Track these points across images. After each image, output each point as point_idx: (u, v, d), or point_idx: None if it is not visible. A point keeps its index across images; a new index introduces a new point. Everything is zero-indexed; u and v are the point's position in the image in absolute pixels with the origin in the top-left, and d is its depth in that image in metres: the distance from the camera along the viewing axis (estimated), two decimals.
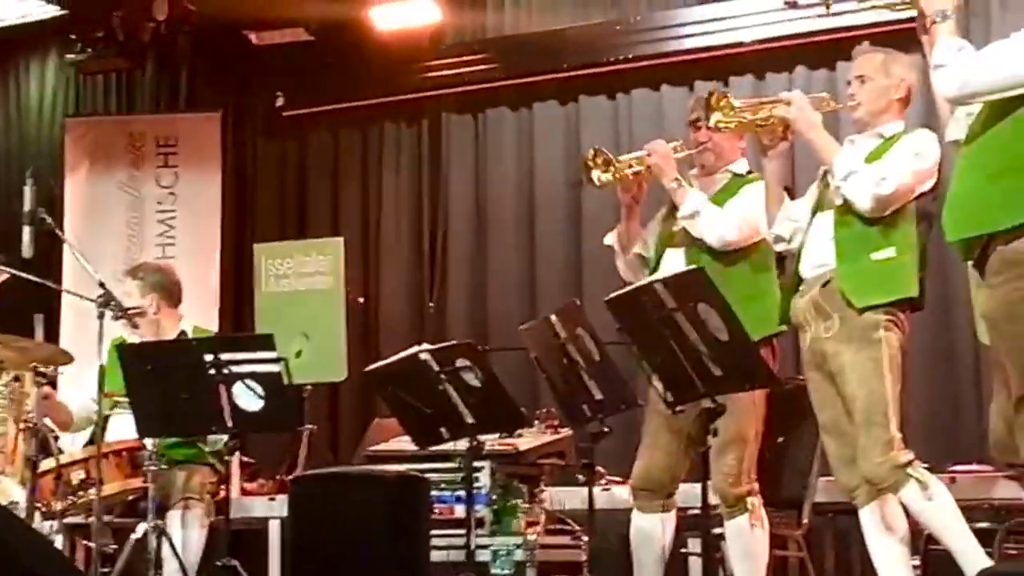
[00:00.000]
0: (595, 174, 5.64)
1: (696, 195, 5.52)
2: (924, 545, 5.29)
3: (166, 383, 5.55)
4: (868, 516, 4.95)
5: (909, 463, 4.80)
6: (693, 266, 4.78)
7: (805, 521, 5.87)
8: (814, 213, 5.14)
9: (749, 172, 5.64)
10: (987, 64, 3.97)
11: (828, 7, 4.47)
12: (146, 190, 9.95)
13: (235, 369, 5.50)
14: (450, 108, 9.80)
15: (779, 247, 5.32)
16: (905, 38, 4.58)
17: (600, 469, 7.15)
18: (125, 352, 5.74)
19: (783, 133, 5.15)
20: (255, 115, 10.40)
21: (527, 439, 6.69)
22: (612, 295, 4.63)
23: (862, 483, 4.90)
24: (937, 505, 4.77)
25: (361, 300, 9.49)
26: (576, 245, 9.14)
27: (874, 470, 4.81)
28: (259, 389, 5.50)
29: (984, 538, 4.83)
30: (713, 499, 5.21)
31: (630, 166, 5.65)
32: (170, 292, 6.63)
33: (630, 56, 9.02)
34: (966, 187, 4.03)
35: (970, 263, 4.11)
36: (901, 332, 4.94)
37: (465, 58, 9.57)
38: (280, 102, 10.06)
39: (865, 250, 4.94)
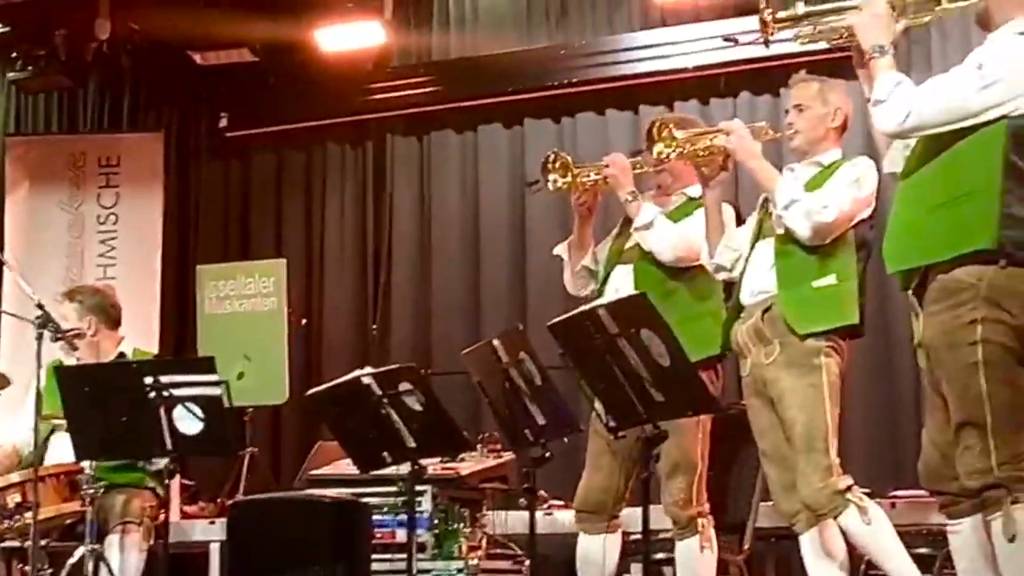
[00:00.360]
0: (552, 177, 5.66)
1: (651, 208, 5.54)
2: (864, 570, 5.31)
3: (105, 406, 5.47)
4: (808, 541, 4.96)
5: (848, 488, 4.82)
6: (636, 291, 4.78)
7: (747, 546, 5.87)
8: (755, 241, 5.16)
9: (701, 197, 5.68)
10: (927, 99, 4.01)
11: (767, 45, 4.48)
12: (87, 210, 9.86)
13: (175, 392, 5.43)
14: (395, 130, 9.80)
15: (720, 276, 5.34)
16: (846, 66, 4.59)
17: (542, 493, 7.17)
18: (63, 374, 5.66)
19: (723, 163, 5.18)
20: (199, 135, 10.35)
21: (469, 463, 6.68)
22: (555, 320, 4.62)
23: (802, 509, 4.92)
24: (876, 530, 4.80)
25: (304, 322, 9.46)
26: (520, 268, 9.15)
27: (814, 496, 4.82)
28: (199, 412, 5.43)
29: (923, 564, 4.86)
30: (662, 523, 5.26)
31: (587, 175, 5.67)
32: (108, 314, 6.56)
33: (575, 80, 9.05)
34: (905, 219, 4.10)
35: (909, 292, 4.15)
36: (841, 359, 4.97)
37: (410, 80, 9.57)
38: (224, 122, 10.02)
39: (806, 278, 4.97)
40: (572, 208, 5.83)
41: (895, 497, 6.59)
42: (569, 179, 5.65)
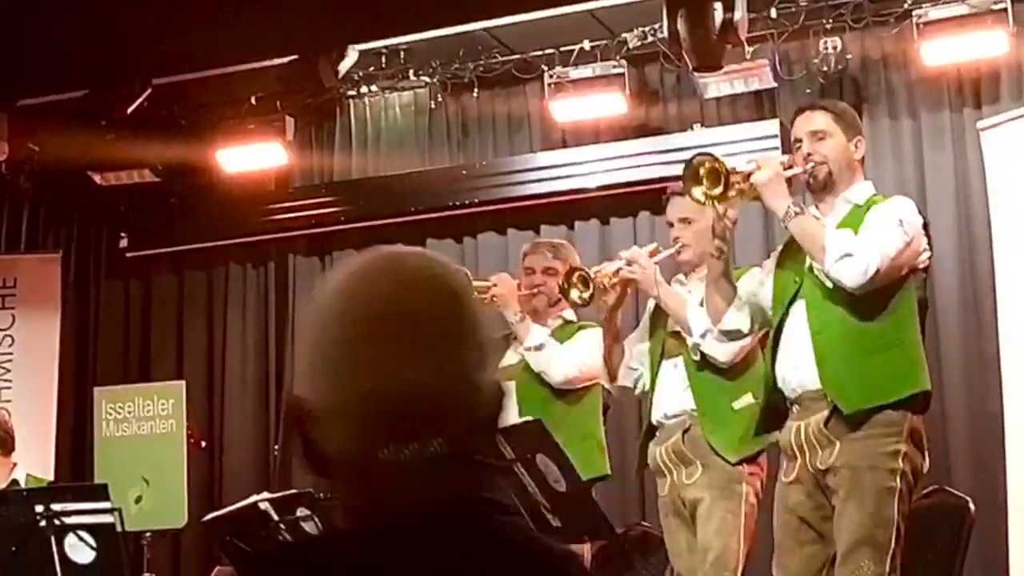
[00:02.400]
0: None
1: (541, 330, 5.56)
2: None
3: None
4: None
5: None
6: (531, 418, 4.79)
7: None
8: (659, 359, 5.17)
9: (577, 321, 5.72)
10: (878, 253, 4.17)
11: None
12: None
13: (67, 520, 5.35)
14: (297, 250, 9.77)
15: (623, 395, 5.37)
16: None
17: None
18: None
19: (623, 291, 5.22)
20: (98, 255, 10.25)
21: None
22: None
23: None
24: None
25: (204, 444, 9.33)
26: None
27: None
28: (91, 540, 5.34)
29: None
30: None
31: (475, 292, 5.67)
32: (2, 441, 6.46)
33: (476, 200, 9.09)
34: (844, 361, 4.26)
35: (794, 431, 4.23)
36: (762, 478, 5.00)
37: (312, 200, 9.56)
38: (124, 243, 9.94)
39: (724, 399, 5.00)
40: None
41: None
42: None
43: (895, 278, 4.25)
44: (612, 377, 5.30)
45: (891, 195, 4.60)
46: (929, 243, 4.37)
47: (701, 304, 5.02)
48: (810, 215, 4.36)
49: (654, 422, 5.15)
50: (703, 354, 4.98)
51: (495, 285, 5.70)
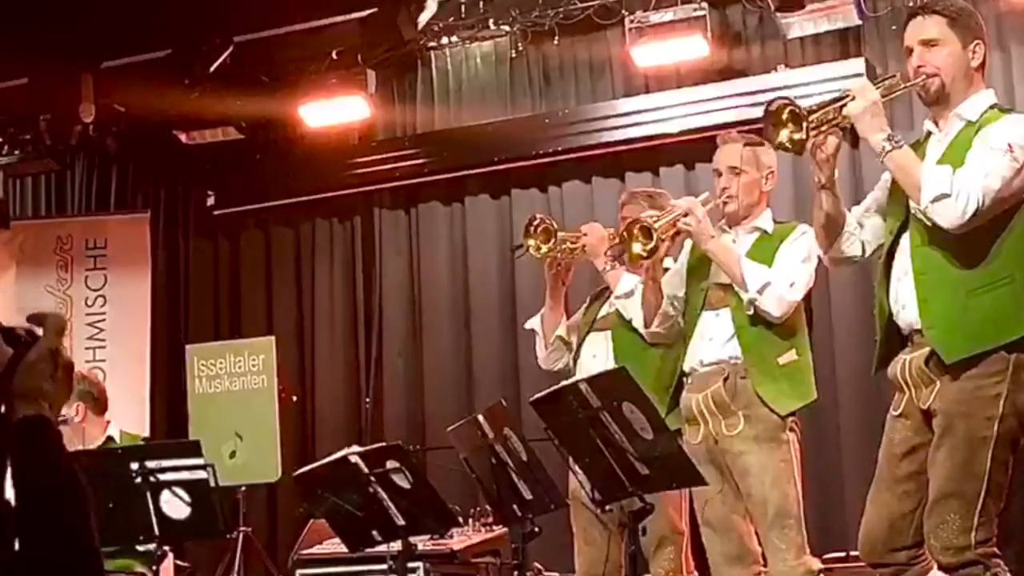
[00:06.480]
0: (531, 242, 5.65)
1: (630, 277, 5.53)
2: None
3: (91, 492, 5.44)
4: None
5: (820, 572, 4.85)
6: (617, 364, 4.78)
7: None
8: (700, 310, 5.12)
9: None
10: (981, 189, 3.91)
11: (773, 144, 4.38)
12: (75, 292, 9.84)
13: (162, 477, 5.43)
14: (382, 203, 9.81)
15: (657, 342, 5.32)
16: None
17: (537, 565, 7.11)
18: None
19: (673, 240, 5.19)
20: (186, 215, 10.37)
21: (462, 538, 6.62)
22: (537, 396, 4.60)
23: None
24: None
25: (295, 398, 9.42)
26: (512, 338, 9.11)
27: (788, 573, 4.86)
28: (186, 496, 5.42)
29: None
30: None
31: (565, 243, 5.67)
32: (96, 400, 6.55)
33: (560, 149, 9.05)
34: (944, 306, 4.03)
35: (898, 369, 4.12)
36: (799, 434, 4.98)
37: (396, 154, 9.59)
38: (211, 201, 10.02)
39: (771, 354, 4.96)
40: (546, 279, 5.82)
41: (830, 561, 6.55)
42: (550, 245, 5.64)
43: (1004, 210, 3.98)
44: (647, 323, 5.26)
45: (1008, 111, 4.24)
46: None
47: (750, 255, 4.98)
48: (907, 149, 4.08)
49: (686, 369, 5.11)
50: (756, 310, 4.93)
51: (585, 235, 5.67)
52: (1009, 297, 4.00)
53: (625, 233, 5.10)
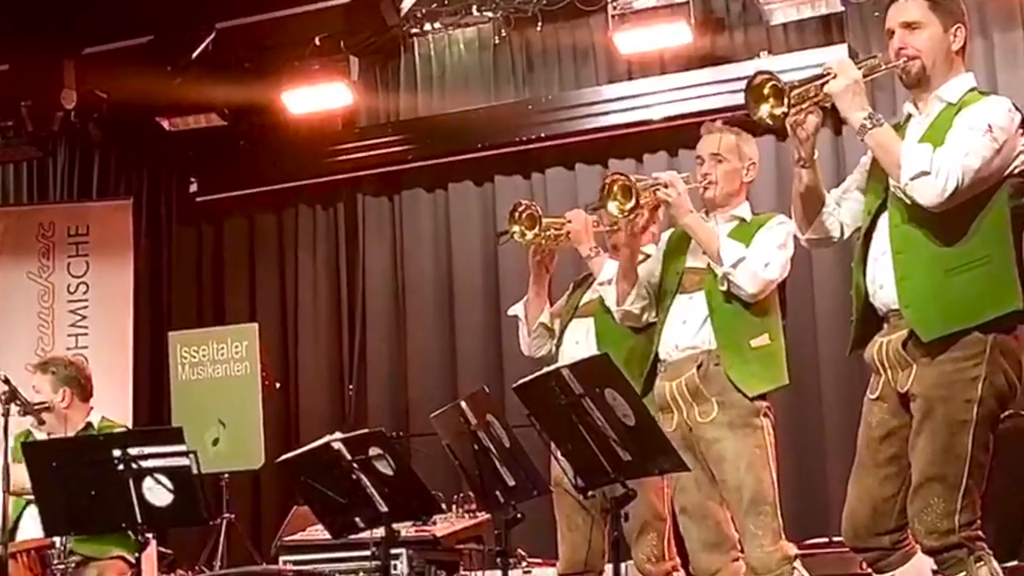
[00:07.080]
0: (515, 228, 5.63)
1: (613, 263, 5.52)
2: None
3: (73, 480, 5.42)
4: None
5: (796, 557, 4.85)
6: (599, 351, 4.76)
7: None
8: (675, 293, 5.12)
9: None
10: (960, 168, 3.90)
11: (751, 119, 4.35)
12: (57, 279, 9.81)
13: (144, 464, 5.39)
14: (365, 190, 9.80)
15: (628, 322, 5.31)
16: None
17: (521, 552, 7.12)
18: (29, 450, 5.62)
19: (652, 215, 5.18)
20: (168, 201, 10.35)
21: (445, 525, 6.63)
22: (520, 382, 4.59)
23: (727, 567, 4.92)
24: None
25: (278, 385, 9.42)
26: (495, 325, 9.12)
27: (764, 559, 4.83)
28: (168, 483, 5.39)
29: None
30: None
31: (549, 230, 5.65)
32: (82, 386, 6.53)
33: (543, 135, 9.05)
34: (923, 285, 4.03)
35: (875, 352, 4.12)
36: (772, 419, 4.98)
37: (379, 140, 9.58)
38: (194, 187, 10.01)
39: (744, 337, 4.95)
40: (529, 266, 5.82)
41: (812, 547, 6.56)
42: (535, 231, 5.63)
43: (983, 190, 3.98)
44: (620, 301, 5.25)
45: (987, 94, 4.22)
46: None
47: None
48: (888, 127, 4.08)
49: (661, 355, 5.11)
50: (729, 285, 4.94)
51: (569, 221, 5.66)
52: (986, 277, 4.00)
53: (605, 189, 5.08)
